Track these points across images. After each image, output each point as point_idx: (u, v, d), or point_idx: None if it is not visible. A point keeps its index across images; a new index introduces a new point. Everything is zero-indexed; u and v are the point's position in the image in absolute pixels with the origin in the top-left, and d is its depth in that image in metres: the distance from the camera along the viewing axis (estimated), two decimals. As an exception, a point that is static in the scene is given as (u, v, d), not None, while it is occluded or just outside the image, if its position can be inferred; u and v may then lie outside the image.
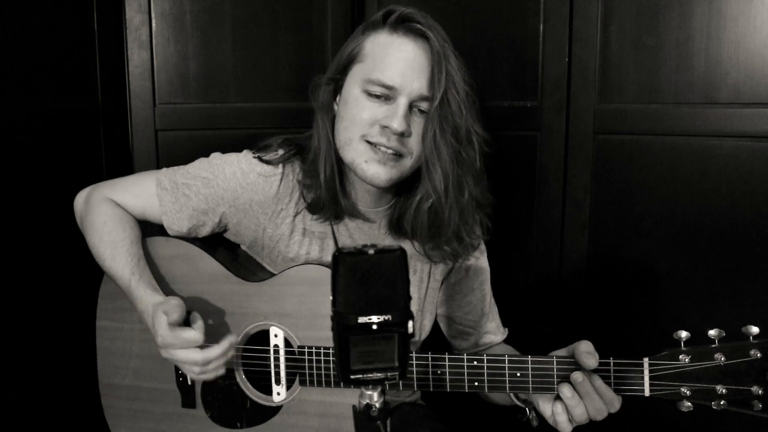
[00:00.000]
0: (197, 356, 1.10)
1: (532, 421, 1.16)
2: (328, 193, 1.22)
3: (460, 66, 1.18)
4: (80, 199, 1.34)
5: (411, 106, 1.17)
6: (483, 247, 1.39)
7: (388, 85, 1.15)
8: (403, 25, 1.18)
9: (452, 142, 1.17)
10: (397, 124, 1.14)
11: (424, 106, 1.17)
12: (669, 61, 1.56)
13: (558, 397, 1.06)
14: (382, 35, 1.19)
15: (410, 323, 0.73)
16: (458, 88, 1.16)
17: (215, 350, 1.11)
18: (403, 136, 1.16)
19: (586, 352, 1.03)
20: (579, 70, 1.66)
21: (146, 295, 1.17)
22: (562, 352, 1.09)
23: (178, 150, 1.78)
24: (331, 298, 0.72)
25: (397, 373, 0.74)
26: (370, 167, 1.17)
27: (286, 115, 1.80)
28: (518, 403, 1.18)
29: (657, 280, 1.63)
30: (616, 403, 1.04)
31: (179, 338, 1.09)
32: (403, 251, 0.72)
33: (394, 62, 1.16)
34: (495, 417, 1.43)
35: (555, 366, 1.06)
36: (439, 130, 1.15)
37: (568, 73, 1.68)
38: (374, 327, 0.72)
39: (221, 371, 1.15)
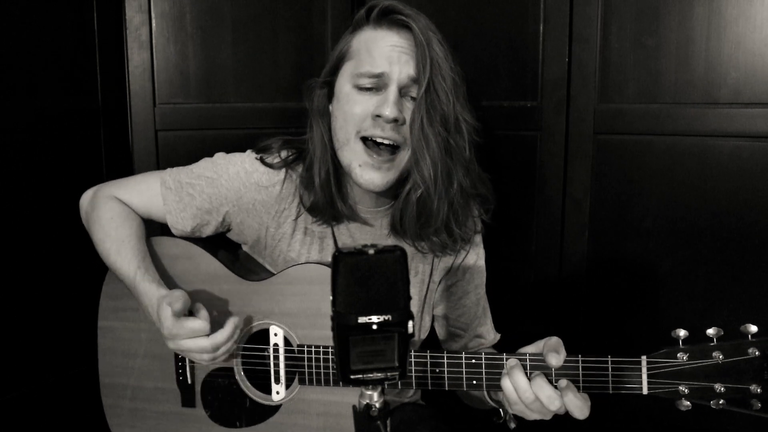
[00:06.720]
0: (205, 343, 1.11)
1: (509, 423, 1.15)
2: (324, 197, 1.22)
3: (446, 54, 1.17)
4: (86, 198, 1.35)
5: (401, 93, 1.17)
6: (482, 250, 1.39)
7: (376, 74, 1.15)
8: (386, 18, 1.19)
9: (440, 130, 1.16)
10: (389, 111, 1.14)
11: (414, 91, 1.17)
12: (669, 61, 1.56)
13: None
14: (367, 31, 1.20)
15: (410, 323, 0.73)
16: (445, 76, 1.16)
17: (222, 334, 1.12)
18: (396, 122, 1.16)
19: (554, 351, 1.02)
20: (579, 70, 1.66)
21: (151, 289, 1.18)
22: (531, 348, 1.07)
23: (178, 150, 1.78)
24: (331, 298, 0.72)
25: (397, 373, 0.74)
26: (365, 173, 1.17)
27: (286, 115, 1.80)
28: (492, 404, 1.18)
29: (657, 280, 1.63)
30: (585, 409, 1.01)
31: (185, 328, 1.10)
32: (403, 251, 0.72)
33: (381, 52, 1.16)
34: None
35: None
36: (426, 118, 1.14)
37: (568, 73, 1.67)
38: (374, 327, 0.72)
39: (228, 356, 1.16)
